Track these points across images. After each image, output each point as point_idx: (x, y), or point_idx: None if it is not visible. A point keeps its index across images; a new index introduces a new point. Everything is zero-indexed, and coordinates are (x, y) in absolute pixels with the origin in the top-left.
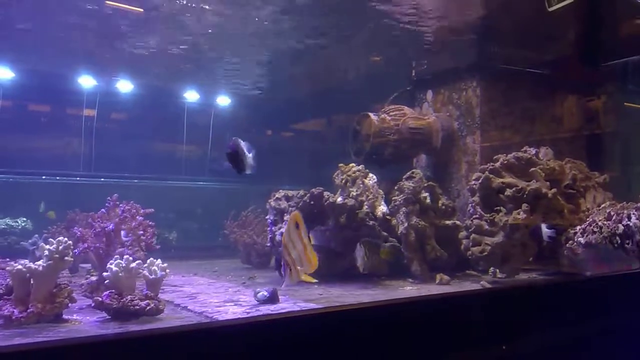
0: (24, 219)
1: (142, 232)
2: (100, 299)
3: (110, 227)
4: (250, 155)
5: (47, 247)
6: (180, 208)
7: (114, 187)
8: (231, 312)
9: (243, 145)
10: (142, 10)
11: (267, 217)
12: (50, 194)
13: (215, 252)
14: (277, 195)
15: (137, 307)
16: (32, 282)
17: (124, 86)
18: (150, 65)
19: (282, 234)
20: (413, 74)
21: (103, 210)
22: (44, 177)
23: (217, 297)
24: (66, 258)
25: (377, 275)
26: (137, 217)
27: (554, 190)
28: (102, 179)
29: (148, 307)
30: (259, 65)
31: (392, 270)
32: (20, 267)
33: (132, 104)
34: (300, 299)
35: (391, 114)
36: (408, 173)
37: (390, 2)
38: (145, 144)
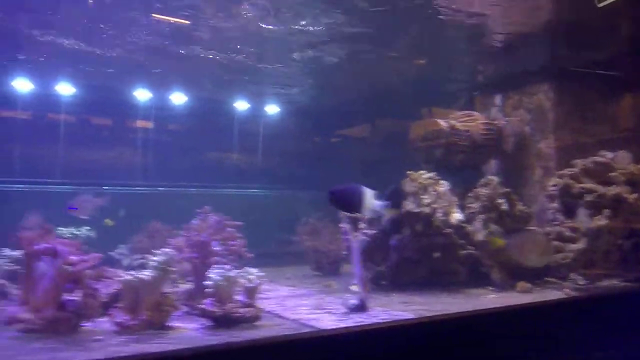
0: (88, 227)
1: (233, 242)
2: (203, 306)
3: (204, 238)
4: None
5: (154, 258)
6: (235, 215)
7: (172, 196)
8: (326, 319)
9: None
10: (188, 22)
11: (342, 225)
12: (111, 204)
13: (280, 259)
14: None
15: (239, 314)
16: (139, 291)
17: (179, 98)
18: (202, 76)
19: (359, 242)
20: (478, 78)
21: (194, 221)
22: (104, 187)
23: (303, 304)
24: (170, 268)
25: (453, 282)
26: (227, 228)
27: (635, 194)
28: (160, 188)
29: (248, 315)
30: (308, 74)
31: (469, 277)
32: (130, 277)
33: (187, 116)
34: (386, 307)
35: (461, 120)
36: (483, 180)
37: (453, 4)
38: (200, 154)
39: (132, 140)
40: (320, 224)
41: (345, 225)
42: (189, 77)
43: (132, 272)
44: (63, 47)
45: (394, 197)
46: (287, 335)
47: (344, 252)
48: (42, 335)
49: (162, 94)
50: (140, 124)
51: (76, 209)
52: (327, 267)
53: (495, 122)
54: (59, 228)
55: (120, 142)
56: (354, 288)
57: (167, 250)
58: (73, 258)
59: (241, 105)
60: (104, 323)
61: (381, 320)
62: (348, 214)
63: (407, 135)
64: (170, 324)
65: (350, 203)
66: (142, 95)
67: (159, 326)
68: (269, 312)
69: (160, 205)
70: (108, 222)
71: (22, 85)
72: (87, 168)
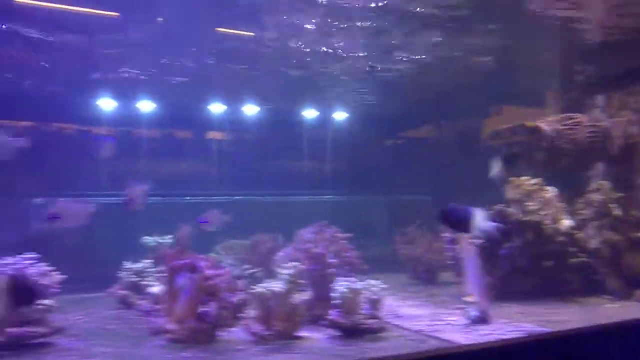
0: (170, 236)
1: (347, 254)
2: (332, 317)
3: (322, 250)
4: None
5: (285, 271)
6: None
7: (247, 204)
8: (450, 331)
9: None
10: (252, 34)
11: (444, 234)
12: (192, 213)
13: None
14: None
15: (365, 325)
16: (271, 302)
17: (251, 109)
18: (274, 88)
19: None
20: (579, 78)
21: (309, 235)
22: (187, 197)
23: (417, 314)
24: (299, 281)
25: (565, 291)
26: (340, 240)
27: None
28: (237, 197)
29: (374, 326)
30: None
31: (582, 286)
32: (262, 289)
33: (259, 125)
34: (505, 319)
35: (564, 122)
36: (594, 185)
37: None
38: (273, 162)
39: (209, 151)
40: (417, 233)
41: (449, 235)
42: (262, 89)
43: (263, 285)
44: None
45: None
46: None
47: (449, 262)
48: (185, 345)
49: (235, 105)
50: (214, 134)
51: (207, 222)
52: (424, 276)
53: (600, 123)
54: (145, 237)
55: (195, 154)
56: (470, 298)
57: (295, 264)
58: (209, 272)
59: (310, 113)
60: (236, 333)
61: (510, 333)
62: (458, 233)
63: (484, 135)
64: (299, 334)
65: (460, 223)
66: (217, 107)
67: (290, 336)
68: (387, 322)
69: (237, 213)
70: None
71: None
72: (169, 178)
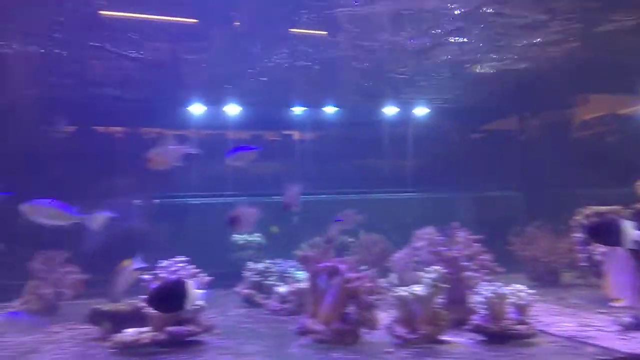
0: (258, 234)
1: (482, 257)
2: (477, 322)
3: (456, 253)
4: None
5: (428, 275)
6: (397, 220)
7: (331, 203)
8: (606, 338)
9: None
10: (326, 33)
11: (576, 234)
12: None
13: None
14: (586, 212)
15: (514, 330)
16: (413, 306)
17: (329, 108)
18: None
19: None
20: None
21: (441, 237)
22: (274, 197)
23: (557, 318)
24: (442, 285)
25: None
26: (473, 243)
27: None
28: (324, 195)
29: (524, 332)
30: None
31: None
32: (404, 293)
33: (340, 124)
34: None
35: None
36: None
37: None
38: (355, 160)
39: (297, 150)
40: (538, 232)
41: (579, 235)
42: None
43: (405, 288)
44: None
45: None
46: None
47: (582, 264)
48: (331, 346)
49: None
50: (299, 135)
51: (342, 220)
52: (546, 278)
53: None
54: (234, 236)
55: (285, 154)
56: (618, 303)
57: (438, 268)
58: (351, 275)
59: (391, 110)
60: (378, 335)
61: None
62: (608, 247)
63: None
64: (443, 338)
65: (609, 236)
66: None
67: (435, 340)
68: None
69: (320, 211)
70: (274, 229)
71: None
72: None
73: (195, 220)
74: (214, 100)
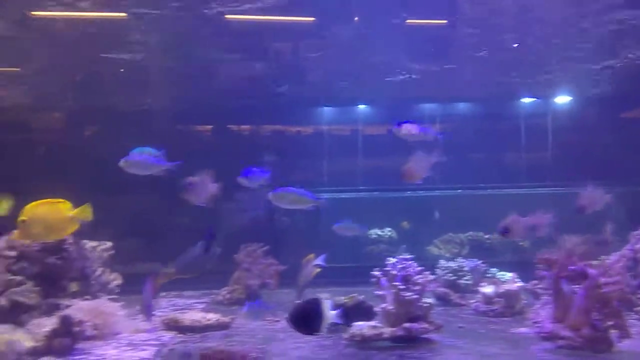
0: (389, 229)
1: None
2: None
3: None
4: None
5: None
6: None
7: (465, 198)
8: None
9: None
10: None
11: None
12: (409, 207)
13: None
14: None
15: None
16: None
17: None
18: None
19: None
20: None
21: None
22: (407, 192)
23: None
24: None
25: None
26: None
27: None
28: (458, 190)
29: None
30: None
31: None
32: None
33: (472, 117)
34: None
35: None
36: None
37: None
38: (490, 154)
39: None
40: None
41: None
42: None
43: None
44: None
45: None
46: None
47: None
48: (581, 352)
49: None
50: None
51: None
52: None
53: None
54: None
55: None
56: None
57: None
58: (602, 280)
59: (528, 100)
60: (631, 344)
61: None
62: None
63: None
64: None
65: None
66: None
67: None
68: None
69: (453, 207)
70: (405, 224)
71: None
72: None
73: (327, 215)
74: (348, 98)
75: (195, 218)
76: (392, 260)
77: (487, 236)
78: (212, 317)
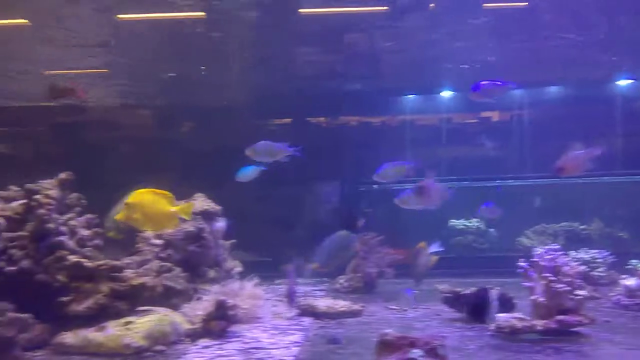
0: (476, 220)
1: None
2: None
3: None
4: None
5: None
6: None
7: (555, 187)
8: None
9: None
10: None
11: None
12: (498, 197)
13: None
14: None
15: None
16: None
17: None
18: None
19: None
20: None
21: None
22: (498, 182)
23: None
24: None
25: None
26: None
27: None
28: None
29: None
30: None
31: None
32: None
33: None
34: None
35: None
36: None
37: None
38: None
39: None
40: None
41: None
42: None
43: None
44: None
45: None
46: None
47: None
48: None
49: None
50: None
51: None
52: None
53: None
54: (452, 220)
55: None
56: None
57: None
58: None
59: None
60: None
61: None
62: None
63: None
64: None
65: None
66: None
67: None
68: None
69: (548, 197)
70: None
71: None
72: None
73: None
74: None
75: (279, 208)
76: (539, 250)
77: (582, 227)
78: (344, 304)
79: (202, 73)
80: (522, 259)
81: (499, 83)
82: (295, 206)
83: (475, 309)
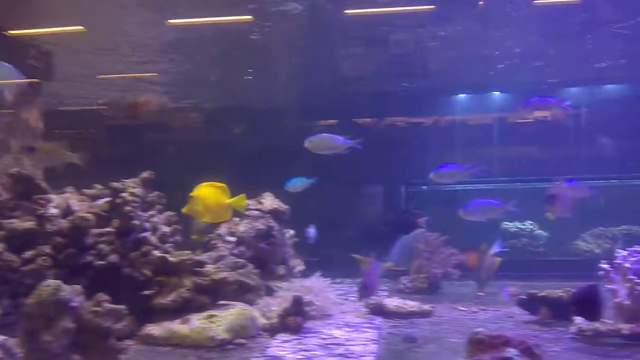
0: (530, 222)
1: None
2: None
3: None
4: None
5: None
6: None
7: (613, 189)
8: None
9: None
10: None
11: None
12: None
13: None
14: None
15: None
16: None
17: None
18: None
19: None
20: None
21: None
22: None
23: None
24: None
25: None
26: None
27: None
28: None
29: None
30: None
31: None
32: None
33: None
34: None
35: None
36: None
37: None
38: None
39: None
40: None
41: None
42: None
43: None
44: None
45: None
46: None
47: None
48: None
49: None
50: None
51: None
52: None
53: None
54: (505, 223)
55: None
56: None
57: None
58: None
59: None
60: None
61: None
62: None
63: None
64: None
65: None
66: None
67: None
68: None
69: (606, 199)
70: (549, 215)
71: None
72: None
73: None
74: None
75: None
76: (623, 252)
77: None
78: (413, 304)
79: (249, 77)
80: (604, 261)
81: (551, 100)
82: (348, 207)
83: (587, 306)
